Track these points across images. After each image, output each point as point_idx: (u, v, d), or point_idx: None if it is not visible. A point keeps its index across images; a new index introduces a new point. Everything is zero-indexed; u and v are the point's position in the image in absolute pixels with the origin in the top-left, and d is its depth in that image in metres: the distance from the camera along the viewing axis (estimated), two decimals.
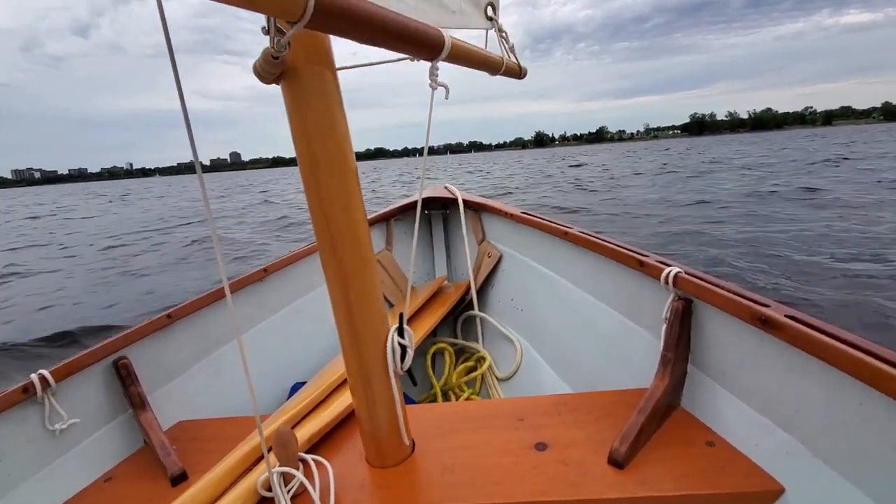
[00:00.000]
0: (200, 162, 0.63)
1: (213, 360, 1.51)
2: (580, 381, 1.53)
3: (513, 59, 1.22)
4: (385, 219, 2.46)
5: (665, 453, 0.93)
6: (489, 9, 1.20)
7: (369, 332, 0.88)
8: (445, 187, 2.62)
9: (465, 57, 0.96)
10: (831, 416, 0.77)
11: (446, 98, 0.91)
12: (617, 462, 0.91)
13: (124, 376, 1.23)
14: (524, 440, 1.02)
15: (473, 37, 1.09)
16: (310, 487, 0.88)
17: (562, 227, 1.66)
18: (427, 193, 2.58)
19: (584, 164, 30.02)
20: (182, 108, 0.60)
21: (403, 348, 0.91)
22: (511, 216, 2.09)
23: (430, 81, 0.88)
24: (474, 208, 2.42)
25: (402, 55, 0.86)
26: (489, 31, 1.23)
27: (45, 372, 1.08)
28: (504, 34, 1.23)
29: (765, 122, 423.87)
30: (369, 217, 1.88)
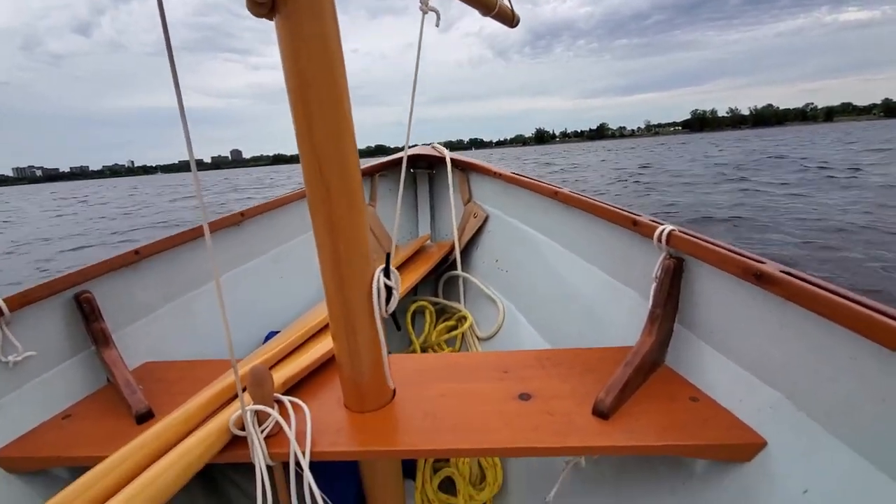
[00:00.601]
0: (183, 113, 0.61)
1: (183, 303, 1.45)
2: (563, 341, 1.51)
3: (507, 2, 1.20)
4: (370, 174, 2.39)
5: (649, 407, 0.94)
6: None
7: (355, 274, 0.84)
8: (433, 146, 2.55)
9: None
10: (820, 372, 0.78)
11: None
12: (602, 413, 0.91)
13: (87, 311, 1.16)
14: (508, 390, 1.01)
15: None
16: (285, 426, 0.85)
17: (552, 187, 1.63)
18: (414, 151, 2.51)
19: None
20: (174, 81, 0.58)
21: (389, 290, 0.88)
22: (500, 176, 2.05)
23: (420, 4, 0.85)
24: (462, 168, 2.37)
25: None
26: None
27: None
28: None
29: (766, 118, 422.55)
30: None
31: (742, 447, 0.84)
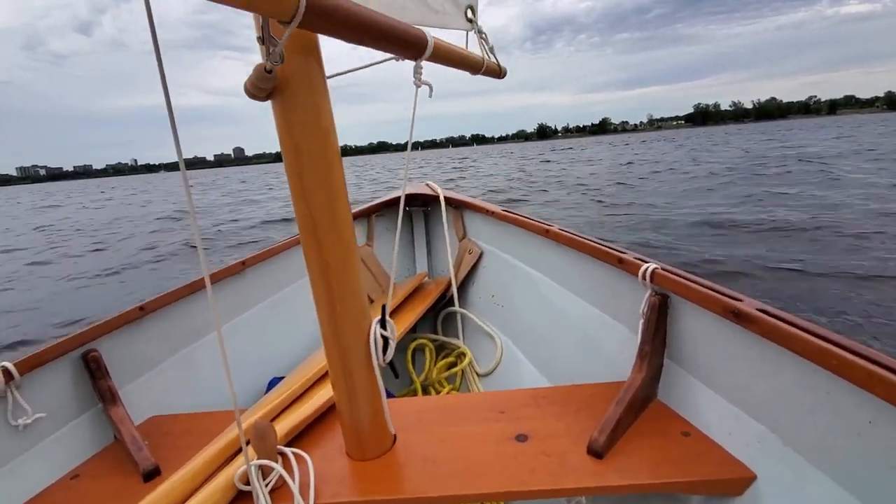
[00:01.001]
0: (185, 163, 0.66)
1: (186, 355, 1.47)
2: (559, 376, 1.55)
3: (493, 59, 1.26)
4: (366, 214, 2.44)
5: (642, 443, 0.95)
6: (468, 11, 1.24)
7: (351, 324, 0.87)
8: (427, 184, 2.63)
9: (447, 57, 0.99)
10: (801, 406, 0.80)
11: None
12: (596, 452, 0.93)
13: (94, 369, 1.18)
14: (505, 432, 1.03)
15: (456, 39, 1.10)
16: (289, 480, 0.87)
17: (543, 225, 1.68)
18: (409, 190, 2.57)
19: None
20: (164, 89, 0.61)
21: (386, 340, 0.91)
22: (492, 214, 2.10)
23: (414, 79, 0.91)
24: (455, 205, 2.43)
25: (387, 55, 0.88)
26: (470, 34, 1.27)
27: (8, 364, 1.03)
28: (484, 35, 1.27)
29: (769, 111, 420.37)
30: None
31: (733, 482, 0.86)
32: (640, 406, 1.05)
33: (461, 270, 2.28)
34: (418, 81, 0.91)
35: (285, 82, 0.75)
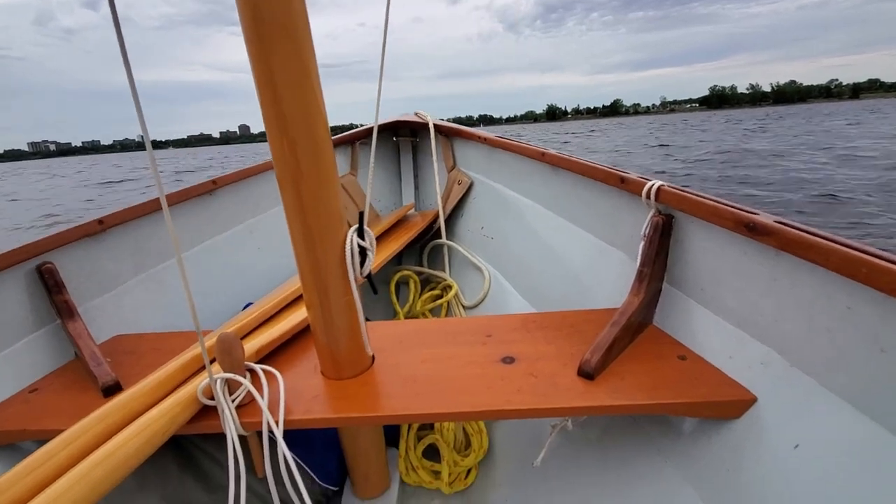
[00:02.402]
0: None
1: (155, 275, 1.44)
2: (551, 307, 1.44)
3: None
4: (349, 141, 2.34)
5: (636, 366, 0.94)
6: None
7: (326, 235, 0.82)
8: (416, 113, 2.52)
9: None
10: (815, 324, 0.76)
11: None
12: (587, 373, 0.91)
13: (50, 283, 1.16)
14: (491, 354, 1.02)
15: None
16: (256, 395, 0.84)
17: (538, 149, 1.64)
18: (396, 117, 2.46)
19: None
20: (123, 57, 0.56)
21: (363, 251, 0.85)
22: (485, 140, 2.05)
23: None
24: (446, 134, 2.35)
25: None
26: None
27: None
28: None
29: (788, 95, 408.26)
30: (333, 138, 1.50)
31: (731, 404, 0.83)
32: (635, 330, 1.02)
33: (449, 202, 2.21)
34: None
35: None
